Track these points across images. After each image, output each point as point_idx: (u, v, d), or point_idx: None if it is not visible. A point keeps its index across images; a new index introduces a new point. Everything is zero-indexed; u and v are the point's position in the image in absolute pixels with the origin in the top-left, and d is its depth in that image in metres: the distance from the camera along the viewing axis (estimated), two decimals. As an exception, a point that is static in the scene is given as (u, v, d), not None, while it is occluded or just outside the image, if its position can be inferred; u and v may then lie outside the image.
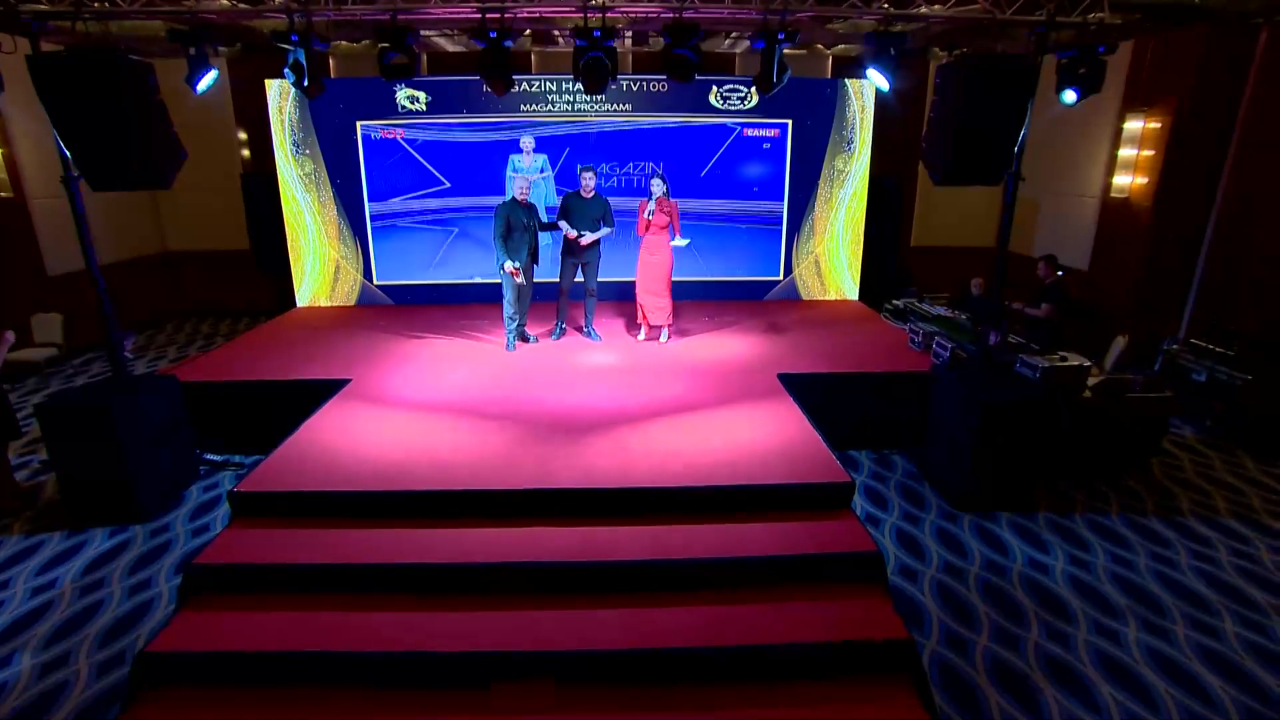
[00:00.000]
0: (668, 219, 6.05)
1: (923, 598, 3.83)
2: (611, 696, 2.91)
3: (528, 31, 7.62)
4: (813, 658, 3.02)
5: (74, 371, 7.52)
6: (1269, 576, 4.02)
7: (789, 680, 2.99)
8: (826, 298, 8.32)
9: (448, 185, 7.80)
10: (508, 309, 6.24)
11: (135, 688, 2.94)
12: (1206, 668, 3.31)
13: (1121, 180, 7.52)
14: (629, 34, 7.78)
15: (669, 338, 6.57)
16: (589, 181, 6.14)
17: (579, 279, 6.50)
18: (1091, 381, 5.29)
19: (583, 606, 3.21)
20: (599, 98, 7.54)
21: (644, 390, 5.30)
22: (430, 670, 2.97)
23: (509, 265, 5.95)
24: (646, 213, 6.07)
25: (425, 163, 7.75)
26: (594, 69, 4.53)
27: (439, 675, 2.97)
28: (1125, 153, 7.44)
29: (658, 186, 6.01)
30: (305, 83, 4.63)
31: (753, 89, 7.58)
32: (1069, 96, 4.86)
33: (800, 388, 5.29)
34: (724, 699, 2.90)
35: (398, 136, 7.66)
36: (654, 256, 6.17)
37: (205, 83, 4.85)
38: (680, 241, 6.08)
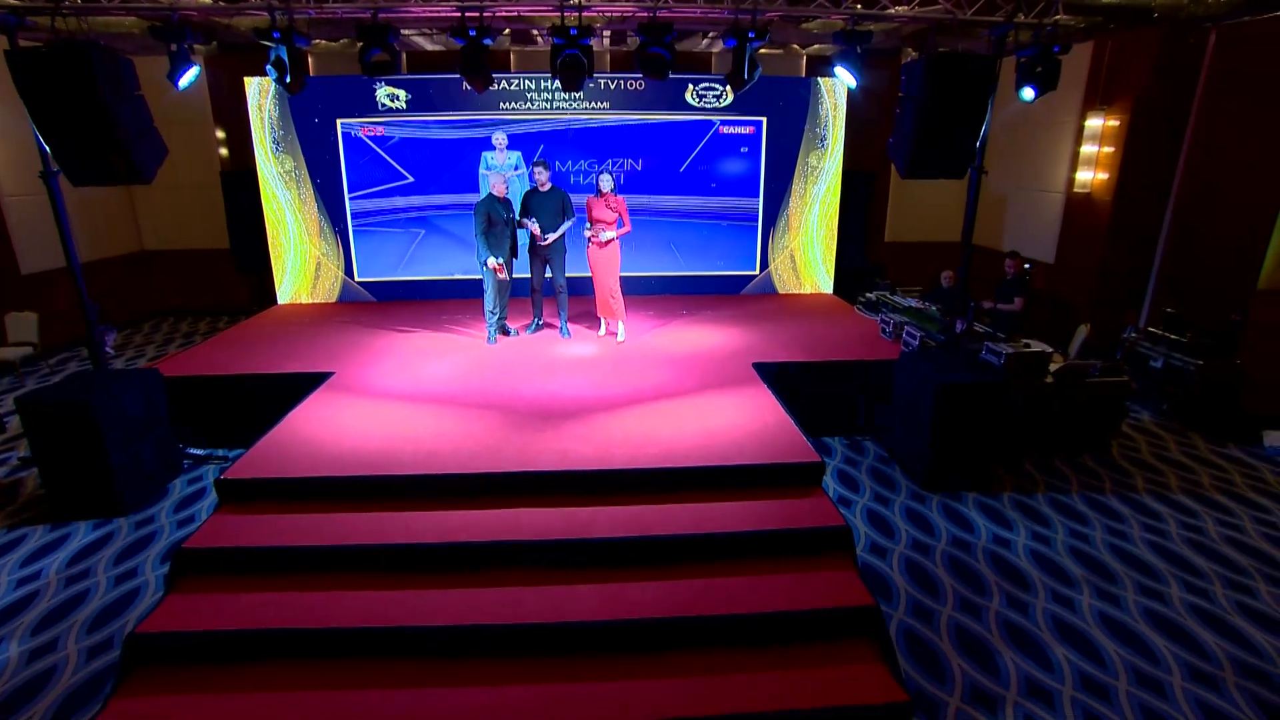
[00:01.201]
0: (615, 214, 6.14)
1: (891, 573, 4.00)
2: (591, 665, 3.03)
3: (506, 31, 7.72)
4: (783, 625, 3.17)
5: (50, 370, 7.48)
6: (1213, 547, 4.25)
7: (760, 647, 3.13)
8: (802, 291, 8.52)
9: (411, 180, 7.85)
10: (488, 303, 6.34)
11: (126, 668, 3.01)
12: (1152, 629, 3.52)
13: (1084, 176, 7.79)
14: (607, 33, 7.91)
15: (625, 336, 6.55)
16: (542, 175, 6.22)
17: (548, 275, 6.59)
18: (1053, 368, 5.52)
19: (562, 582, 3.33)
20: (577, 96, 7.66)
21: (622, 380, 5.44)
22: (414, 644, 3.08)
23: (492, 261, 6.05)
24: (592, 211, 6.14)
25: (390, 159, 7.78)
26: (571, 67, 4.65)
27: (423, 648, 3.07)
28: (1087, 149, 7.72)
29: (606, 182, 6.10)
30: (288, 79, 4.69)
31: (728, 87, 7.74)
32: (1027, 94, 5.07)
33: (775, 376, 5.46)
34: (698, 665, 3.03)
35: (362, 135, 7.69)
36: (603, 252, 6.24)
37: (187, 79, 4.89)
38: (608, 234, 6.16)
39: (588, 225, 6.17)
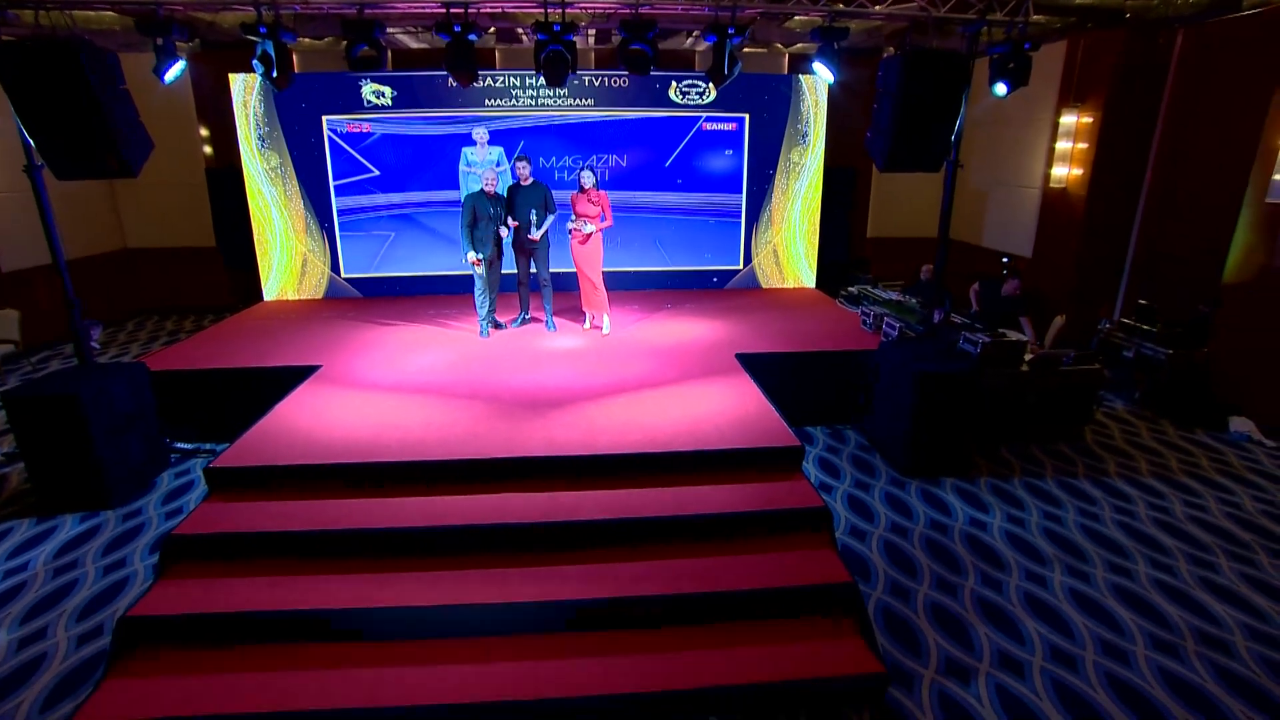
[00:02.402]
0: (598, 209, 6.22)
1: (870, 554, 4.11)
2: (577, 642, 3.10)
3: (492, 29, 7.77)
4: (763, 602, 3.26)
5: (32, 368, 7.44)
6: (1179, 526, 4.41)
7: (741, 623, 3.23)
8: (785, 286, 8.63)
9: (377, 173, 7.85)
10: (478, 297, 6.40)
11: (118, 651, 3.04)
12: (1119, 603, 3.66)
13: (1059, 171, 7.97)
14: (592, 32, 7.99)
15: (610, 328, 6.63)
16: (524, 170, 6.26)
17: (533, 270, 6.65)
18: (1028, 356, 5.67)
19: (549, 563, 3.41)
20: (562, 92, 7.74)
21: (607, 370, 5.52)
22: (402, 624, 3.14)
23: (472, 256, 6.10)
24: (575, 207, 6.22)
25: (359, 155, 7.79)
26: (554, 62, 4.72)
27: (411, 628, 3.14)
28: (1062, 145, 7.89)
29: (587, 178, 6.17)
30: (274, 74, 4.73)
31: (711, 84, 7.84)
32: (1000, 89, 5.21)
33: (757, 367, 5.56)
34: (681, 641, 3.12)
35: (340, 134, 7.70)
36: (584, 246, 6.30)
37: (173, 73, 4.91)
38: (589, 227, 6.23)
39: (572, 219, 6.25)
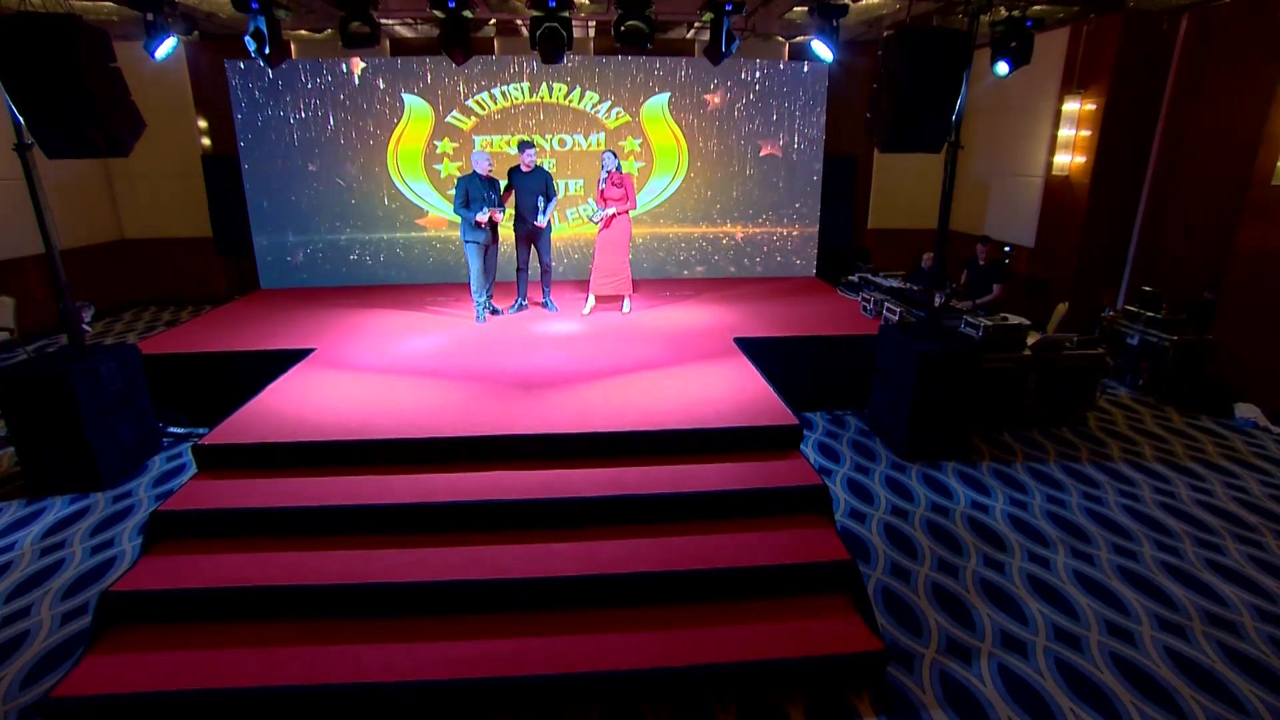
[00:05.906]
0: (622, 192, 6.19)
1: (870, 536, 4.04)
2: (570, 619, 3.03)
3: (492, 21, 7.74)
4: (760, 579, 3.19)
5: (27, 356, 7.38)
6: (1185, 509, 4.33)
7: (739, 601, 3.15)
8: (785, 275, 8.56)
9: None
10: (474, 282, 6.34)
11: (100, 626, 2.98)
12: (1124, 584, 3.58)
13: (1061, 159, 7.89)
14: (593, 23, 7.96)
15: (631, 308, 6.72)
16: (528, 157, 6.23)
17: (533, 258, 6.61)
18: (1030, 340, 5.60)
19: (542, 540, 3.34)
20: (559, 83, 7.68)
21: (604, 354, 5.45)
22: (391, 600, 3.07)
23: (480, 216, 5.97)
24: (600, 186, 6.22)
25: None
26: (550, 38, 4.66)
27: (400, 605, 3.07)
28: (1064, 133, 7.81)
29: (610, 161, 6.15)
30: (266, 49, 4.67)
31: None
32: (1001, 68, 5.14)
33: (756, 351, 5.48)
34: (676, 619, 3.04)
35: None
36: (611, 230, 6.29)
37: (164, 49, 4.85)
38: (610, 210, 6.20)
39: (598, 211, 6.24)
